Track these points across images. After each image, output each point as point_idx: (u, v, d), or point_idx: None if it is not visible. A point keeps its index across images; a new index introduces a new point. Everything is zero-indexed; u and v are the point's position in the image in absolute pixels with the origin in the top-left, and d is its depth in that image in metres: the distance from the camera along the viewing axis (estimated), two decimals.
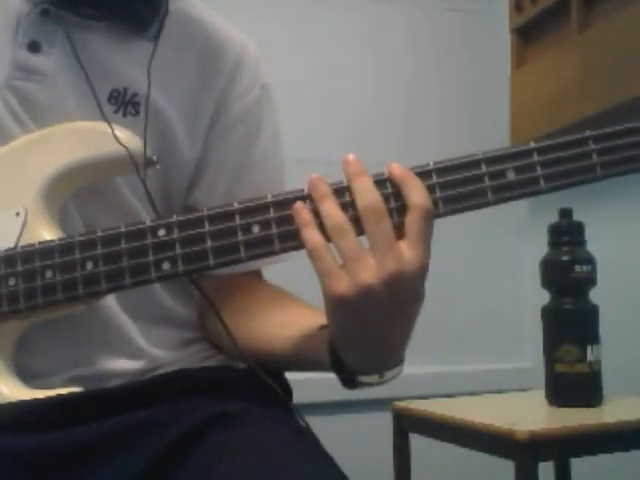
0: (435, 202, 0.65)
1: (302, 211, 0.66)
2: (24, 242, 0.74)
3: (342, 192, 0.65)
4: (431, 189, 0.65)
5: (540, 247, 1.24)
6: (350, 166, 0.65)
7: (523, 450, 1.01)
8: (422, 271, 0.64)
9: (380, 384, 0.71)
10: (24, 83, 0.79)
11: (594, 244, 1.21)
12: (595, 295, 1.20)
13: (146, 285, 0.71)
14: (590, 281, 1.19)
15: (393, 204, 0.65)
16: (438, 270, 2.07)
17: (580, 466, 1.35)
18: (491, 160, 0.66)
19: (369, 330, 0.65)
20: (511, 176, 0.65)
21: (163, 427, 0.72)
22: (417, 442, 1.28)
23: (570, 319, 1.19)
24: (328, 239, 0.64)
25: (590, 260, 1.19)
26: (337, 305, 0.64)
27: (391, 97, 1.86)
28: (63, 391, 0.72)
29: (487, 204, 0.66)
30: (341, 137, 1.76)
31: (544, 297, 1.23)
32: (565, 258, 1.19)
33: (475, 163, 0.66)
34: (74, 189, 0.79)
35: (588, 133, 0.66)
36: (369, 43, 1.87)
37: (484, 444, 1.10)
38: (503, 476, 1.13)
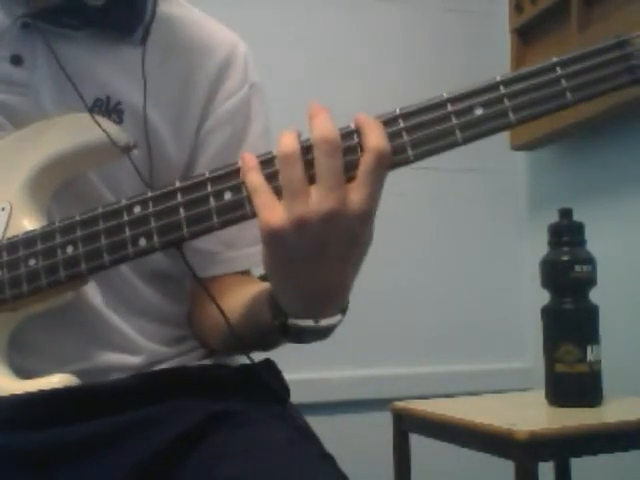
0: (403, 147, 0.64)
1: (249, 159, 0.66)
2: (10, 235, 0.75)
3: (307, 150, 0.64)
4: (398, 134, 0.64)
5: (540, 247, 1.24)
6: (312, 107, 0.65)
7: (523, 450, 1.01)
8: (363, 216, 0.62)
9: (318, 333, 0.69)
10: (7, 96, 0.79)
11: (594, 244, 1.21)
12: (595, 295, 1.20)
13: (125, 262, 0.71)
14: (590, 281, 1.19)
15: (360, 154, 0.64)
16: (438, 270, 2.07)
17: (580, 466, 1.35)
18: (456, 98, 0.65)
19: (302, 268, 0.64)
20: (478, 112, 0.64)
21: (164, 425, 0.72)
22: (417, 442, 1.28)
23: (570, 319, 1.19)
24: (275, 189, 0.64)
25: (590, 260, 1.19)
26: (270, 237, 0.63)
27: (390, 97, 1.86)
28: (56, 379, 0.73)
29: (456, 143, 0.64)
30: None
31: (544, 297, 1.23)
32: (565, 258, 1.19)
33: (441, 103, 0.65)
34: (59, 181, 0.80)
35: (555, 59, 0.65)
36: (369, 43, 1.87)
37: (484, 444, 1.10)
38: (503, 476, 1.13)
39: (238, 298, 0.81)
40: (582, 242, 1.21)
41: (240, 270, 0.90)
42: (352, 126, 0.65)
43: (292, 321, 0.69)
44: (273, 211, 0.62)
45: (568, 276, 1.18)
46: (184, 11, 0.90)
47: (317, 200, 0.61)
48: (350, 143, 0.64)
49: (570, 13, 1.64)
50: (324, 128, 0.63)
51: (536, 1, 1.76)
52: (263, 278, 0.73)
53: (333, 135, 0.62)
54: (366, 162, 0.62)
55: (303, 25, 1.82)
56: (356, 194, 0.62)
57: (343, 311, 0.69)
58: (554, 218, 1.23)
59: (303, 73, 1.79)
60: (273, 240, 0.63)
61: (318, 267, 0.64)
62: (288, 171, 0.63)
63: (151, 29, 0.85)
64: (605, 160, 1.64)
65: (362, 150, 0.63)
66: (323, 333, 0.70)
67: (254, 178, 0.64)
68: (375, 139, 0.63)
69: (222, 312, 0.76)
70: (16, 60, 0.80)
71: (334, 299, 0.68)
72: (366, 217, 0.63)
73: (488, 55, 1.93)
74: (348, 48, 1.85)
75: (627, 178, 1.58)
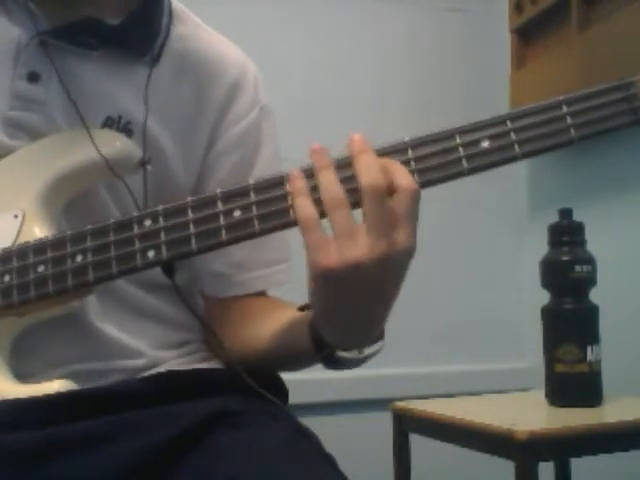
0: (411, 174, 0.66)
1: (297, 179, 0.66)
2: (21, 242, 0.76)
3: (342, 166, 0.66)
4: (406, 163, 0.66)
5: (540, 247, 1.24)
6: (354, 144, 0.66)
7: (523, 450, 1.01)
8: (410, 252, 0.65)
9: (360, 361, 0.72)
10: (24, 113, 0.80)
11: (594, 244, 1.22)
12: (595, 295, 1.20)
13: (133, 274, 0.72)
14: (590, 281, 1.19)
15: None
16: (438, 270, 2.08)
17: (580, 466, 1.35)
18: (465, 131, 0.67)
19: (350, 305, 0.66)
20: (485, 145, 0.66)
21: (164, 425, 0.72)
22: (417, 442, 1.28)
23: (570, 319, 1.19)
24: (321, 212, 0.65)
25: (590, 260, 1.19)
26: (322, 277, 0.64)
27: (391, 97, 1.86)
28: (57, 385, 0.73)
29: (462, 174, 0.66)
30: (341, 137, 1.76)
31: (544, 297, 1.23)
32: (565, 258, 1.19)
33: (449, 135, 0.67)
34: (72, 193, 0.80)
35: (561, 97, 0.67)
36: (369, 43, 1.87)
37: (484, 444, 1.10)
38: (503, 476, 1.13)
39: (268, 325, 0.82)
40: (582, 242, 1.21)
41: (254, 292, 0.90)
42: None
43: (339, 354, 0.71)
44: (327, 251, 0.63)
45: (568, 276, 1.18)
46: (197, 31, 0.90)
47: (370, 244, 0.62)
48: (348, 173, 0.66)
49: (570, 13, 1.64)
50: (372, 177, 0.63)
51: (536, 1, 1.76)
52: (302, 309, 0.75)
53: (381, 183, 0.63)
54: (403, 202, 0.64)
55: (303, 26, 1.82)
56: (401, 233, 0.63)
57: (381, 336, 0.72)
58: (554, 218, 1.23)
59: (304, 74, 1.79)
60: (325, 280, 0.64)
61: (367, 304, 0.66)
62: (339, 215, 0.64)
63: (164, 50, 0.86)
64: (605, 160, 1.64)
65: (394, 191, 0.65)
66: (365, 360, 0.72)
67: (305, 206, 0.65)
68: (405, 179, 0.64)
69: (220, 342, 0.79)
70: (33, 77, 0.80)
71: (377, 329, 0.71)
72: (412, 253, 0.65)
73: (488, 55, 1.93)
74: (347, 48, 1.85)
75: (627, 178, 1.58)
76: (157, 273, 0.81)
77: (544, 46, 1.78)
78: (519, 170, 1.94)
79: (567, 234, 1.20)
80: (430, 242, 1.93)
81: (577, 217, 1.22)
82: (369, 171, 0.64)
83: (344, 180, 0.65)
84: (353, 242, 0.63)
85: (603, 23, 1.56)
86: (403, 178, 0.64)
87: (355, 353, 0.71)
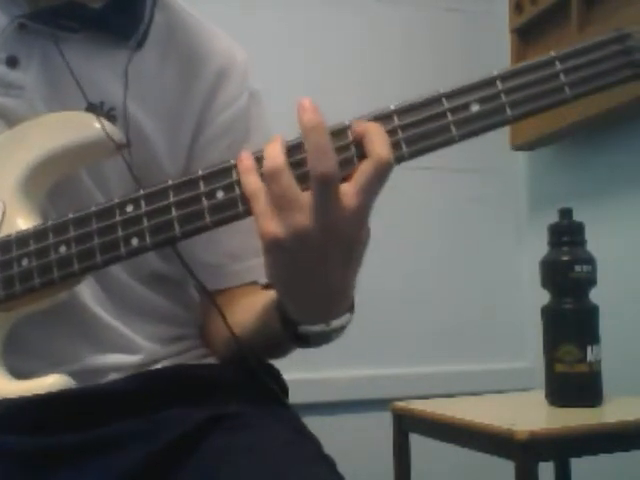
0: (398, 144, 0.63)
1: (245, 159, 0.65)
2: (3, 234, 0.75)
3: (296, 149, 0.63)
4: (393, 132, 0.63)
5: (540, 247, 1.24)
6: (306, 114, 0.62)
7: (523, 450, 1.01)
8: (361, 218, 0.62)
9: (329, 335, 0.69)
10: (3, 99, 0.79)
11: (594, 244, 1.21)
12: (595, 295, 1.20)
13: (118, 263, 0.71)
14: (590, 281, 1.19)
15: (354, 151, 0.63)
16: (438, 270, 2.07)
17: (580, 466, 1.35)
18: (452, 94, 0.64)
19: (305, 274, 0.64)
20: (475, 108, 0.63)
21: (164, 428, 0.71)
22: (417, 442, 1.28)
23: (570, 319, 1.19)
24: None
25: (590, 260, 1.19)
26: (270, 246, 0.63)
27: (390, 97, 1.86)
28: (51, 380, 0.72)
29: (452, 141, 0.63)
30: None
31: (544, 297, 1.23)
32: (565, 258, 1.19)
33: (436, 99, 0.64)
34: (53, 178, 0.79)
35: (553, 54, 0.64)
36: (369, 43, 1.87)
37: (484, 444, 1.10)
38: (503, 476, 1.13)
39: (247, 310, 0.81)
40: (582, 242, 1.21)
41: (247, 282, 0.89)
42: (346, 122, 0.64)
43: (303, 328, 0.69)
44: (271, 219, 0.62)
45: (568, 276, 1.18)
46: (183, 16, 0.89)
47: (314, 215, 0.60)
48: (344, 142, 0.63)
49: (570, 13, 1.64)
50: (323, 165, 0.60)
51: (536, 1, 1.76)
52: (266, 287, 0.73)
53: (332, 172, 0.60)
54: (369, 170, 0.61)
55: (302, 25, 1.82)
56: (355, 199, 0.61)
57: (350, 309, 0.70)
58: (554, 218, 1.23)
59: (302, 74, 1.79)
60: (274, 249, 0.63)
61: (321, 273, 0.64)
62: (276, 186, 0.62)
63: (149, 35, 0.84)
64: (605, 160, 1.64)
65: (364, 156, 0.62)
66: (335, 334, 0.70)
67: (251, 181, 0.64)
68: (380, 149, 0.62)
69: (228, 327, 0.77)
70: (12, 61, 0.79)
71: (340, 300, 0.68)
72: (364, 219, 0.62)
73: (488, 55, 1.93)
74: (348, 48, 1.85)
75: (627, 178, 1.58)
76: (152, 261, 0.81)
77: (544, 46, 1.78)
78: (519, 170, 1.94)
79: (567, 234, 1.20)
80: (430, 242, 1.94)
81: (577, 217, 1.22)
82: (319, 156, 0.60)
83: (298, 163, 0.62)
84: (296, 208, 0.61)
85: (603, 23, 1.56)
86: (379, 147, 0.61)
87: (322, 326, 0.68)
